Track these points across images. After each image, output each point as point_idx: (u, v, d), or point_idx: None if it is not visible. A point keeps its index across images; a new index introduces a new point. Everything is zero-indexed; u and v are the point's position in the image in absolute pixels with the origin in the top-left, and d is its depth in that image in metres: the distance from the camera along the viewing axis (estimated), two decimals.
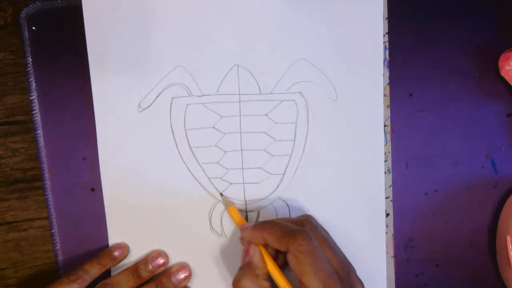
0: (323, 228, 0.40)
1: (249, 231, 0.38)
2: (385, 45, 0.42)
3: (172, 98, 0.42)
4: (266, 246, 0.38)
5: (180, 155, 0.42)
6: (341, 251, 0.38)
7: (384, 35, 0.42)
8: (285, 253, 0.38)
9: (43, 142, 0.42)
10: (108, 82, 0.41)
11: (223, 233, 0.43)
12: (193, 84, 0.42)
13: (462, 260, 0.44)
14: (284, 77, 0.42)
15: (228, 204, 0.42)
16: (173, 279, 0.42)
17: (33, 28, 0.41)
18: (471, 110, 0.44)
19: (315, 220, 0.40)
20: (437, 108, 0.43)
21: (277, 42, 0.42)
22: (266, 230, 0.37)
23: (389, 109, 0.43)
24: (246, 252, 0.38)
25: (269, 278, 0.38)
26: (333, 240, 0.39)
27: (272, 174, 0.43)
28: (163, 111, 0.42)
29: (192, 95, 0.42)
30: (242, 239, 0.39)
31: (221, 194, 0.42)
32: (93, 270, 0.41)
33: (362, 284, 0.37)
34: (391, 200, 0.43)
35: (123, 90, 0.42)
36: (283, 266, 0.38)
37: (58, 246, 0.43)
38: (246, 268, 0.37)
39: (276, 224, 0.37)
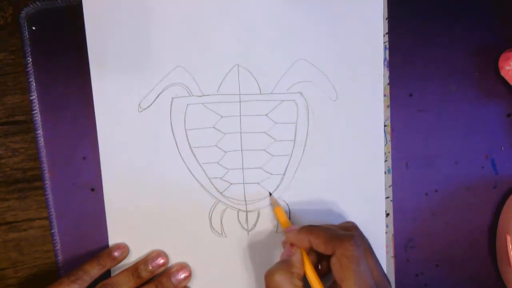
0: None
1: (295, 233, 0.38)
2: (385, 45, 0.42)
3: (172, 98, 0.42)
4: (308, 251, 0.38)
5: (180, 155, 0.42)
6: (381, 265, 0.38)
7: (384, 35, 0.42)
8: (324, 262, 0.38)
9: (43, 142, 0.42)
10: (108, 82, 0.41)
11: (223, 233, 0.43)
12: (193, 84, 0.42)
13: (462, 260, 0.45)
14: (284, 77, 0.42)
15: (275, 204, 0.42)
16: (173, 279, 0.42)
17: (33, 28, 0.41)
18: (471, 110, 0.44)
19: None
20: (437, 108, 0.43)
21: (277, 42, 0.42)
22: (313, 233, 0.37)
23: (389, 109, 0.43)
24: (287, 252, 0.38)
25: (304, 281, 0.37)
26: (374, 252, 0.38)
27: (272, 174, 0.43)
28: (163, 111, 0.42)
29: (192, 95, 0.42)
30: (285, 242, 0.39)
31: (270, 194, 0.42)
32: (93, 271, 0.41)
33: None
34: (391, 200, 0.43)
35: (123, 90, 0.42)
36: (321, 275, 0.38)
37: (58, 246, 0.43)
38: (282, 264, 0.37)
39: (323, 228, 0.37)
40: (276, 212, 0.41)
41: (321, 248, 0.36)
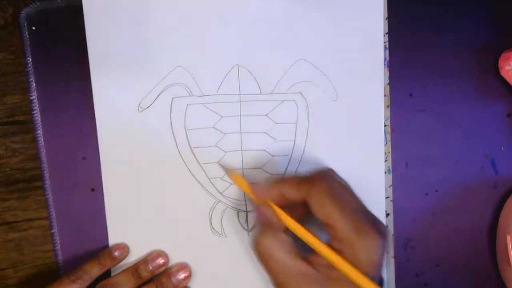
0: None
1: (264, 188, 0.36)
2: (385, 45, 0.42)
3: (172, 98, 0.42)
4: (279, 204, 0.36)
5: (180, 155, 0.42)
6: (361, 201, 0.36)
7: (384, 35, 0.42)
8: (301, 209, 0.36)
9: (43, 142, 0.42)
10: (108, 82, 0.41)
11: (223, 233, 0.43)
12: (193, 84, 0.42)
13: (462, 260, 0.45)
14: (285, 77, 0.42)
15: (229, 170, 0.40)
16: (173, 279, 0.42)
17: (33, 28, 0.41)
18: (471, 110, 0.44)
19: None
20: (437, 108, 0.43)
21: (277, 42, 0.42)
22: (283, 182, 0.35)
23: (389, 109, 0.43)
24: (260, 214, 0.36)
25: (289, 233, 0.36)
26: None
27: (272, 174, 0.43)
28: (163, 111, 0.42)
29: (193, 95, 0.42)
30: (253, 201, 0.37)
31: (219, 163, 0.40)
32: (93, 270, 0.41)
33: (385, 226, 0.34)
34: (391, 200, 0.43)
35: (123, 90, 0.42)
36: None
37: (58, 246, 0.43)
38: (263, 227, 0.36)
39: (292, 175, 0.36)
40: (233, 178, 0.40)
41: (294, 194, 0.35)
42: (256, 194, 0.37)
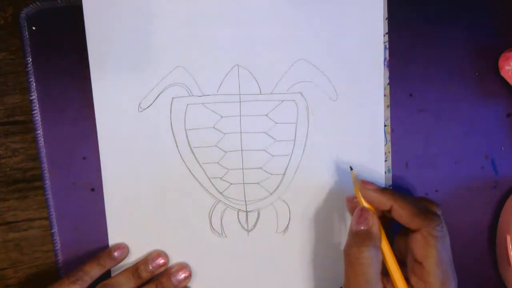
0: None
1: (379, 193, 0.36)
2: (385, 45, 0.42)
3: (172, 98, 0.42)
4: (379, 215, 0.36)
5: (180, 155, 0.42)
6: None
7: (384, 35, 0.42)
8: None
9: (43, 142, 0.42)
10: (109, 82, 0.41)
11: (223, 233, 0.43)
12: (193, 84, 0.42)
13: (462, 260, 0.44)
14: (285, 77, 0.42)
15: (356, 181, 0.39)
16: (173, 279, 0.42)
17: (33, 28, 0.41)
18: (471, 110, 0.44)
19: None
20: (437, 108, 0.43)
21: (277, 42, 0.42)
22: (399, 201, 0.35)
23: (389, 109, 0.43)
24: (364, 219, 0.36)
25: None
26: None
27: (272, 174, 0.43)
28: (163, 111, 0.42)
29: (193, 95, 0.42)
30: (350, 201, 0.37)
31: (351, 169, 0.40)
32: (93, 271, 0.41)
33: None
34: None
35: (124, 90, 0.42)
36: None
37: (58, 246, 0.43)
38: (366, 237, 0.35)
39: (408, 198, 0.36)
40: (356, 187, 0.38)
41: (404, 220, 0.35)
42: (369, 194, 0.37)
